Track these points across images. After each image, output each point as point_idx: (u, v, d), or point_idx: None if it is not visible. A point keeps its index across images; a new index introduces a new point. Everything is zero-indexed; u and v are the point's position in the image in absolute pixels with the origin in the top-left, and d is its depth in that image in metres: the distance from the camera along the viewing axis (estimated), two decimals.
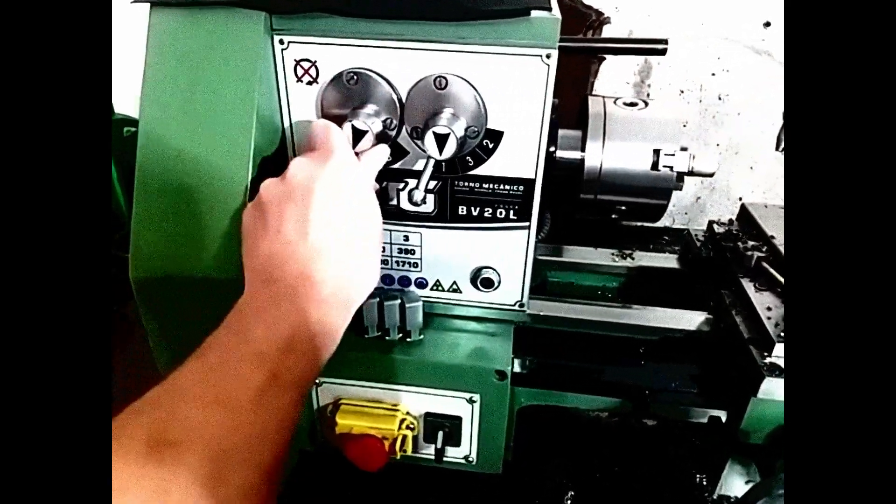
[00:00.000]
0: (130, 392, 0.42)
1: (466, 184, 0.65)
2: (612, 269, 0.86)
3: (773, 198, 1.39)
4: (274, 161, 0.62)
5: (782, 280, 0.68)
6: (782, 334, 0.61)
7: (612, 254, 0.87)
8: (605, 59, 0.95)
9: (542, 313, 0.72)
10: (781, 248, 0.72)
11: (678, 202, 1.44)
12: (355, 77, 0.60)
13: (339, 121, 0.58)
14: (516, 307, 0.71)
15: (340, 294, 0.51)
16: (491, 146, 0.62)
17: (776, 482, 0.55)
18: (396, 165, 0.64)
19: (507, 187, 0.64)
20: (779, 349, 0.59)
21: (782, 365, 0.59)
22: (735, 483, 0.65)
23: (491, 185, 0.64)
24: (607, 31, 1.05)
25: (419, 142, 0.61)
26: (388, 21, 0.58)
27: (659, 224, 1.45)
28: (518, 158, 0.62)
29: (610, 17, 1.02)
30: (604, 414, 0.88)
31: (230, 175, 0.57)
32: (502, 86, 0.59)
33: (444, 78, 0.59)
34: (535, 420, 0.77)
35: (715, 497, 0.74)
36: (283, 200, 0.50)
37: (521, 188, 0.64)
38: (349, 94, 0.61)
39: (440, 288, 0.72)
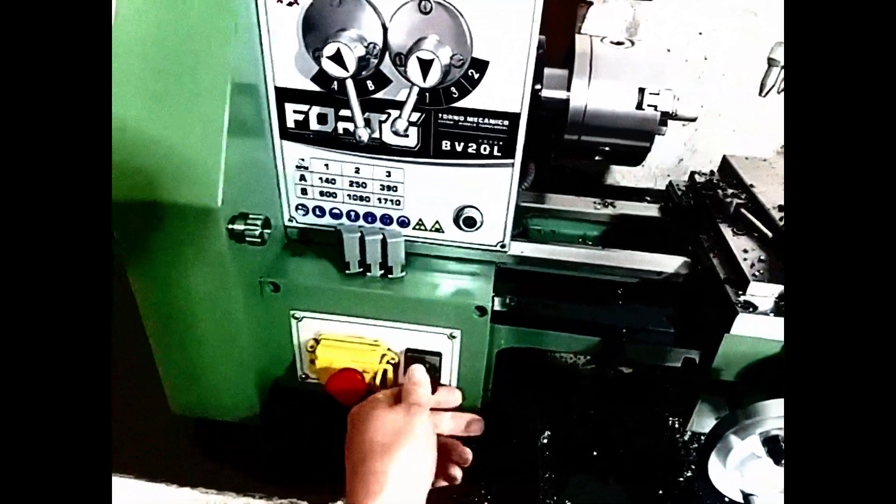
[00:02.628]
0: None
1: (451, 117, 0.64)
2: (594, 217, 0.86)
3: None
4: None
5: (760, 225, 0.68)
6: (757, 273, 0.62)
7: (595, 202, 0.87)
8: (592, 3, 0.94)
9: (523, 254, 0.72)
10: (760, 196, 0.73)
11: (661, 163, 1.44)
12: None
13: (322, 45, 0.57)
14: (498, 248, 0.71)
15: None
16: (476, 77, 0.61)
17: (742, 414, 0.56)
18: (379, 95, 0.63)
19: (492, 122, 0.63)
20: (753, 287, 0.61)
21: (756, 303, 0.60)
22: (706, 420, 0.67)
23: (475, 119, 0.63)
24: None
25: (402, 69, 0.59)
26: None
27: (642, 185, 1.47)
28: (503, 91, 0.62)
29: None
30: (581, 360, 0.90)
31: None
32: (489, 13, 0.57)
33: (429, 2, 0.57)
34: (513, 364, 0.78)
35: (687, 435, 0.76)
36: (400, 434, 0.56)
37: (506, 123, 0.63)
38: (332, 16, 0.59)
39: (423, 227, 0.71)
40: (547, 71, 0.69)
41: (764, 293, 0.61)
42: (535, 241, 0.86)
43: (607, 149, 0.69)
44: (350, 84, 0.59)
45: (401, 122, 0.60)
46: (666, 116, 0.68)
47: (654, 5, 1.22)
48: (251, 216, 0.58)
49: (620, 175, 1.41)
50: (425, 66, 0.57)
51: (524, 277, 0.74)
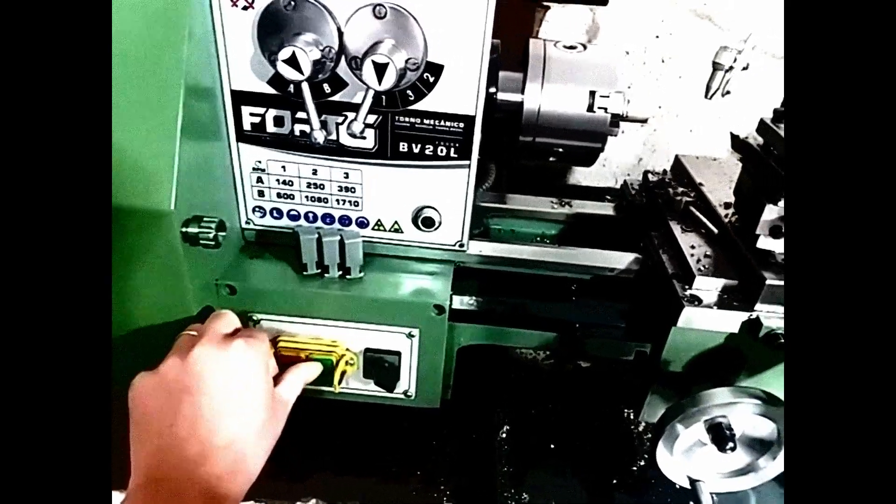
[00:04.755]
0: None
1: (407, 119, 0.65)
2: (552, 217, 0.88)
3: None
4: None
5: (707, 222, 0.71)
6: (702, 268, 0.65)
7: (552, 202, 0.89)
8: (549, 7, 0.96)
9: (481, 253, 0.74)
10: (709, 195, 0.76)
11: (621, 163, 1.48)
12: (293, 3, 0.58)
13: (277, 48, 0.57)
14: (456, 247, 0.73)
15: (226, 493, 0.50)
16: (431, 80, 0.62)
17: (687, 403, 0.59)
18: (335, 98, 0.64)
19: (448, 124, 0.65)
20: (698, 282, 0.63)
21: (701, 296, 0.63)
22: (657, 410, 0.70)
23: (432, 121, 0.65)
24: None
25: (358, 72, 0.60)
26: None
27: (602, 184, 1.50)
28: (458, 94, 0.63)
29: None
30: (541, 356, 0.92)
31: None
32: (442, 18, 0.58)
33: (384, 7, 0.58)
34: (474, 361, 0.80)
35: (641, 426, 0.79)
36: (180, 391, 0.50)
37: (462, 125, 0.65)
38: (287, 20, 0.59)
39: (381, 227, 0.72)
40: (502, 74, 0.71)
41: (709, 287, 0.64)
42: (495, 240, 0.88)
43: (560, 150, 0.71)
44: (306, 87, 0.60)
45: (357, 124, 0.60)
46: (617, 118, 0.70)
47: (613, 9, 1.25)
48: (205, 219, 0.58)
49: (582, 175, 1.44)
50: (380, 69, 0.57)
51: (482, 276, 0.75)
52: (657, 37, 1.31)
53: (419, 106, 0.64)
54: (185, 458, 0.48)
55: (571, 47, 0.72)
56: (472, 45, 0.60)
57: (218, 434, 0.50)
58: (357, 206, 0.70)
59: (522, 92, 0.69)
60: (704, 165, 0.85)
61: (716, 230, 0.70)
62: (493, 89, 0.69)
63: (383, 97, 0.63)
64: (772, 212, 0.59)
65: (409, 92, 0.63)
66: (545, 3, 0.94)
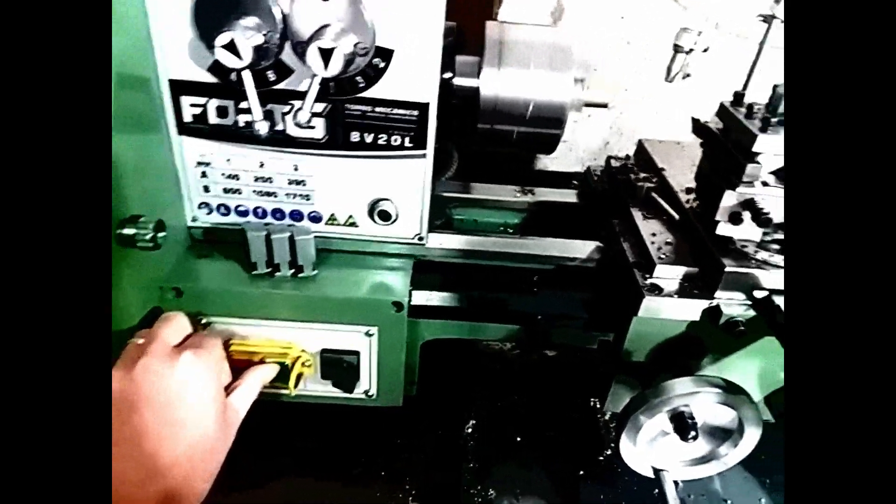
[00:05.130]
0: None
1: (358, 107, 0.61)
2: (514, 205, 0.86)
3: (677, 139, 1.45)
4: None
5: (668, 208, 0.71)
6: (663, 256, 0.64)
7: (515, 190, 0.87)
8: None
9: (441, 246, 0.72)
10: (670, 180, 0.75)
11: (587, 147, 1.47)
12: None
13: (216, 33, 0.53)
14: (415, 241, 0.70)
15: None
16: (382, 65, 0.59)
17: (650, 393, 0.58)
18: (281, 86, 0.60)
19: (402, 112, 0.62)
20: (659, 270, 0.62)
21: (662, 285, 0.62)
22: (622, 400, 0.69)
23: (384, 109, 0.62)
24: None
25: (303, 58, 0.57)
26: None
27: (569, 168, 1.49)
28: (412, 81, 0.60)
29: None
30: (507, 346, 0.91)
31: None
32: (390, 1, 0.55)
33: None
34: (439, 355, 0.78)
35: (607, 415, 0.79)
36: (125, 407, 0.48)
37: (416, 113, 0.62)
38: (226, 4, 0.55)
39: (335, 222, 0.69)
40: (459, 59, 0.68)
41: (669, 275, 0.63)
42: (457, 230, 0.86)
43: (519, 137, 0.69)
44: (247, 75, 0.56)
45: (303, 113, 0.57)
46: (576, 103, 0.68)
47: None
48: (142, 219, 0.54)
49: (549, 160, 1.42)
50: (326, 55, 0.54)
51: (444, 268, 0.73)
52: (622, 18, 1.30)
53: (370, 93, 0.60)
54: (129, 477, 0.46)
55: (533, 26, 0.69)
56: (424, 28, 0.57)
57: (165, 451, 0.48)
58: (308, 199, 0.67)
59: (479, 77, 0.67)
60: (668, 150, 0.84)
61: (677, 216, 0.69)
62: (448, 74, 0.67)
63: (331, 84, 0.60)
64: (730, 197, 0.58)
65: (358, 78, 0.60)
66: None
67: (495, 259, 0.72)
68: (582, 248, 0.72)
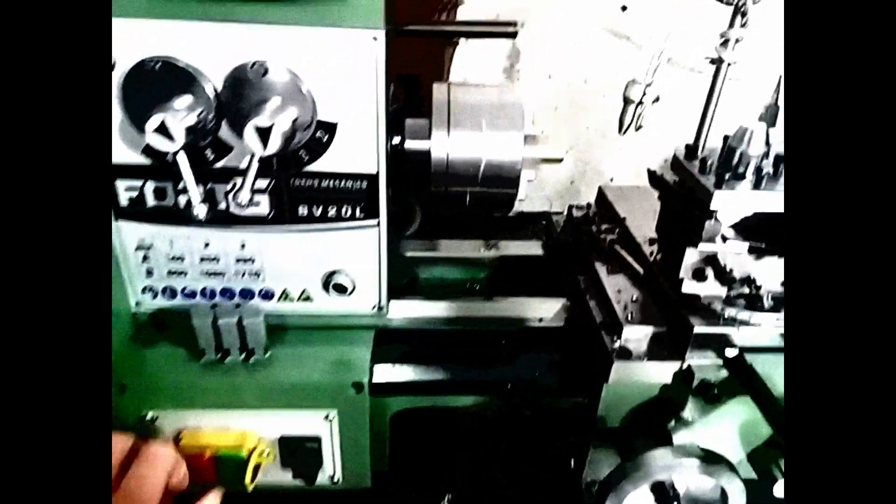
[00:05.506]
0: None
1: (304, 181, 0.59)
2: (479, 261, 0.84)
3: (641, 177, 1.45)
4: None
5: (632, 261, 0.69)
6: (630, 316, 0.61)
7: (479, 245, 0.85)
8: (458, 43, 0.93)
9: (403, 315, 0.69)
10: (633, 230, 0.74)
11: (554, 185, 1.47)
12: (159, 63, 0.52)
13: (146, 116, 0.50)
14: (375, 311, 0.67)
15: None
16: (325, 139, 0.57)
17: (631, 467, 0.55)
18: (220, 164, 0.57)
19: (350, 183, 0.59)
20: (627, 331, 0.60)
21: (630, 347, 0.59)
22: (601, 467, 0.66)
23: (331, 182, 0.59)
24: (462, 14, 1.02)
25: (240, 137, 0.54)
26: None
27: (537, 208, 1.48)
28: (358, 152, 0.58)
29: (464, 0, 1.00)
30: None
31: None
32: (329, 72, 0.53)
33: (263, 65, 0.53)
34: (410, 423, 0.74)
35: (586, 482, 0.75)
36: None
37: (365, 184, 0.59)
38: (154, 83, 0.53)
39: (289, 298, 0.65)
40: (409, 122, 0.66)
41: (637, 336, 0.60)
42: (424, 291, 0.84)
43: (474, 198, 0.67)
44: (182, 158, 0.53)
45: (243, 193, 0.54)
46: (531, 161, 0.67)
47: (532, 33, 1.24)
48: None
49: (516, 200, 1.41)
50: (264, 133, 0.52)
51: (407, 337, 0.70)
52: (577, 58, 1.31)
53: (315, 167, 0.58)
54: None
55: (479, 86, 0.68)
56: (365, 99, 0.55)
57: None
58: (258, 276, 0.64)
59: (429, 139, 0.65)
60: (628, 196, 0.83)
61: (641, 270, 0.67)
62: (396, 140, 0.65)
63: (274, 160, 0.57)
64: (693, 255, 0.57)
65: (302, 152, 0.57)
66: (454, 40, 0.90)
67: (460, 324, 0.70)
68: (548, 308, 0.69)
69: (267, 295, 0.65)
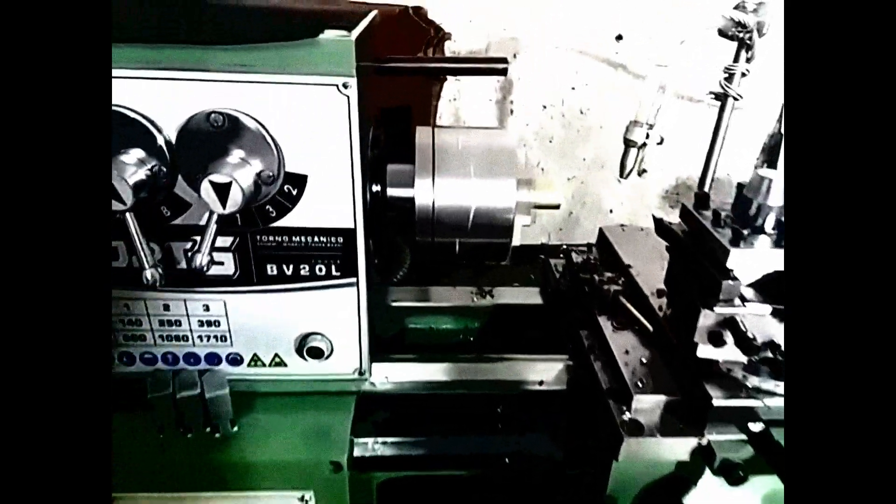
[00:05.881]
0: None
1: (272, 238, 0.53)
2: (472, 310, 0.77)
3: (642, 209, 1.40)
4: None
5: (639, 316, 0.62)
6: (640, 383, 0.55)
7: (472, 292, 0.79)
8: (445, 79, 0.87)
9: (388, 379, 0.62)
10: (639, 279, 0.67)
11: (551, 217, 1.41)
12: None
13: None
14: (356, 376, 0.61)
15: None
16: (295, 192, 0.51)
17: None
18: (178, 221, 0.51)
19: (323, 239, 0.53)
20: (637, 401, 0.53)
21: (642, 420, 0.53)
22: None
23: (303, 238, 0.53)
24: (450, 48, 0.98)
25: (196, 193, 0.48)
26: (144, 45, 0.45)
27: (533, 241, 1.42)
28: (331, 205, 0.52)
29: (451, 34, 0.95)
30: None
31: None
32: (297, 121, 0.48)
33: (221, 115, 0.47)
34: (401, 491, 0.66)
35: None
36: None
37: (341, 240, 0.54)
38: None
39: (259, 363, 0.59)
40: (391, 168, 0.61)
41: (649, 406, 0.54)
42: (413, 342, 0.77)
43: (463, 248, 0.61)
44: (130, 218, 0.47)
45: (200, 256, 0.48)
46: (525, 206, 0.61)
47: (526, 64, 1.20)
48: None
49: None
50: (221, 189, 0.46)
51: (392, 403, 0.63)
52: (573, 88, 1.26)
53: (284, 222, 0.52)
54: None
55: (466, 128, 0.63)
56: (337, 150, 0.49)
57: None
58: (225, 340, 0.58)
59: (412, 186, 0.59)
60: (631, 239, 0.77)
61: (650, 327, 0.61)
62: (375, 188, 0.59)
63: (238, 217, 0.51)
64: (708, 318, 0.50)
65: (269, 207, 0.52)
66: (441, 77, 0.85)
67: (452, 388, 0.63)
68: (549, 370, 0.63)
69: (235, 360, 0.59)
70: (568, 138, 1.31)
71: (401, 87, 0.88)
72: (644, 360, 0.58)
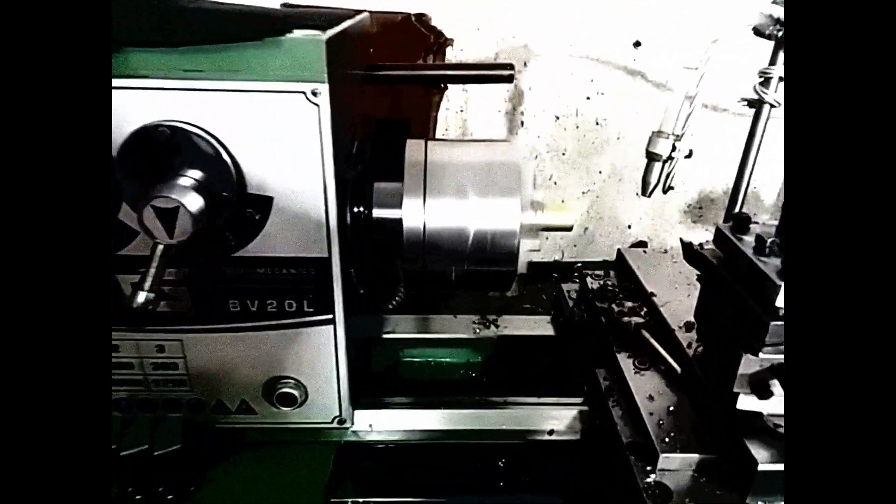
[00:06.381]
0: None
1: (233, 269, 0.46)
2: (475, 343, 0.69)
3: (662, 224, 1.31)
4: None
5: (665, 355, 0.54)
6: (668, 439, 0.46)
7: (474, 322, 0.71)
8: (446, 88, 0.80)
9: (372, 428, 0.54)
10: (664, 310, 0.59)
11: (565, 234, 1.33)
12: None
13: None
14: (335, 424, 0.53)
15: None
16: (258, 217, 0.44)
17: None
18: (125, 251, 0.45)
19: (293, 271, 0.46)
20: (665, 460, 0.45)
21: (669, 484, 0.44)
22: None
23: (269, 270, 0.46)
24: (451, 56, 0.91)
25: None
26: None
27: (547, 258, 1.34)
28: (301, 232, 0.45)
29: (453, 40, 0.88)
30: None
31: None
32: (257, 136, 0.41)
33: (168, 128, 0.40)
34: None
35: None
36: None
37: (313, 271, 0.46)
38: None
39: (225, 409, 0.52)
40: (378, 186, 0.53)
41: (678, 465, 0.45)
42: (408, 377, 0.69)
43: (459, 277, 0.53)
44: None
45: (142, 295, 0.41)
46: (532, 228, 0.53)
47: (537, 72, 1.13)
48: None
49: (524, 249, 1.27)
50: (167, 216, 0.39)
51: (377, 455, 0.55)
52: (588, 98, 1.19)
53: (247, 251, 0.45)
54: None
55: (467, 143, 0.55)
56: (306, 168, 0.42)
57: None
58: (184, 385, 0.50)
59: (400, 207, 0.52)
60: (653, 263, 0.68)
61: (678, 367, 0.52)
62: (359, 208, 0.52)
63: (191, 245, 0.44)
64: (751, 364, 0.41)
65: (228, 235, 0.44)
66: (442, 85, 0.78)
67: (447, 438, 0.55)
68: (561, 417, 0.54)
69: (196, 406, 0.51)
70: (582, 150, 1.23)
71: (404, 99, 0.81)
72: (672, 409, 0.49)
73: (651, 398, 0.51)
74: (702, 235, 1.39)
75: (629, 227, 1.32)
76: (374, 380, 0.68)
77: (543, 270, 1.30)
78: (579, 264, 1.32)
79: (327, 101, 0.40)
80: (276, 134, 0.41)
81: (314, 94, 0.40)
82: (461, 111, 1.17)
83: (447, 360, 0.71)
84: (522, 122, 1.19)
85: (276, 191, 0.43)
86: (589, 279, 0.69)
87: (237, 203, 0.43)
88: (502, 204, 0.50)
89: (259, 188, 0.43)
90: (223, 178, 0.42)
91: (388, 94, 0.74)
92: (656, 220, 1.34)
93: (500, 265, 0.52)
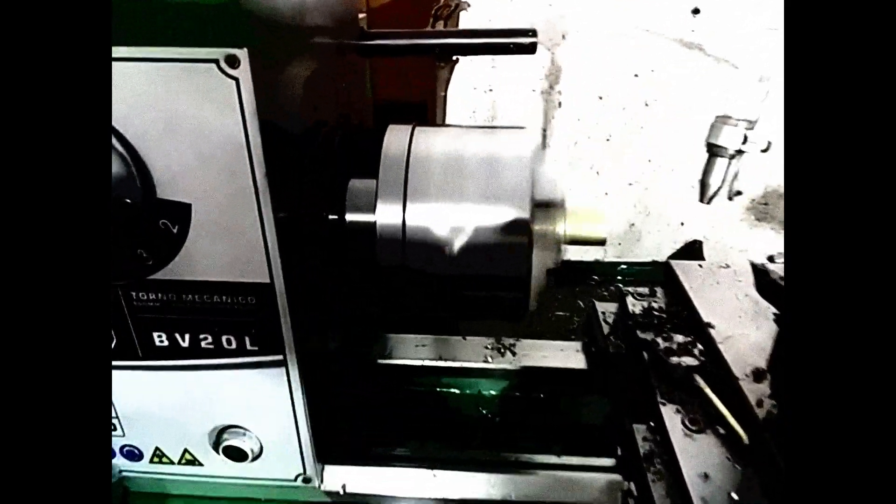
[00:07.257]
0: None
1: (152, 296, 0.36)
2: (488, 373, 0.57)
3: (722, 222, 1.14)
4: None
5: (726, 413, 0.40)
6: None
7: (487, 347, 0.58)
8: (457, 61, 0.68)
9: (345, 490, 0.44)
10: (725, 350, 0.45)
11: (608, 229, 1.18)
12: None
13: None
14: (298, 482, 0.42)
15: None
16: (175, 230, 0.33)
17: None
18: None
19: (226, 299, 0.36)
20: None
21: None
22: None
23: (195, 296, 0.36)
24: (466, 22, 0.77)
25: None
26: None
27: (588, 257, 1.19)
28: (231, 248, 0.34)
29: (468, 4, 0.75)
30: None
31: None
32: (159, 121, 0.30)
33: None
34: None
35: None
36: None
37: (252, 300, 0.35)
38: None
39: (166, 460, 0.42)
40: (353, 183, 0.42)
41: None
42: (407, 413, 0.59)
43: (457, 302, 0.41)
44: None
45: None
46: (546, 242, 0.41)
47: (576, 46, 0.99)
48: None
49: None
50: None
51: None
52: (636, 75, 1.03)
53: (166, 273, 0.35)
54: None
55: (463, 129, 0.43)
56: (228, 163, 0.31)
57: None
58: (115, 430, 0.41)
59: (374, 211, 0.40)
60: (710, 281, 0.54)
61: (744, 436, 0.39)
62: (330, 214, 0.40)
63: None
64: None
65: (141, 251, 0.34)
66: (452, 58, 0.66)
67: None
68: (585, 486, 0.42)
69: (132, 454, 0.42)
70: (628, 136, 1.07)
71: (409, 75, 0.69)
72: (734, 496, 0.36)
73: (706, 476, 0.37)
74: (767, 236, 1.21)
75: (682, 224, 1.16)
76: (366, 414, 0.57)
77: (580, 273, 1.16)
78: (623, 266, 1.17)
79: (248, 73, 0.29)
80: (185, 119, 0.30)
81: (230, 62, 0.29)
82: (490, 90, 1.04)
83: (453, 391, 0.59)
84: (560, 103, 1.05)
85: (193, 195, 0.32)
86: (630, 299, 0.55)
87: (146, 212, 0.32)
88: (506, 211, 0.38)
89: (171, 192, 0.32)
90: (129, 183, 0.31)
91: (385, 70, 0.62)
92: (714, 216, 1.17)
93: (506, 290, 0.40)
